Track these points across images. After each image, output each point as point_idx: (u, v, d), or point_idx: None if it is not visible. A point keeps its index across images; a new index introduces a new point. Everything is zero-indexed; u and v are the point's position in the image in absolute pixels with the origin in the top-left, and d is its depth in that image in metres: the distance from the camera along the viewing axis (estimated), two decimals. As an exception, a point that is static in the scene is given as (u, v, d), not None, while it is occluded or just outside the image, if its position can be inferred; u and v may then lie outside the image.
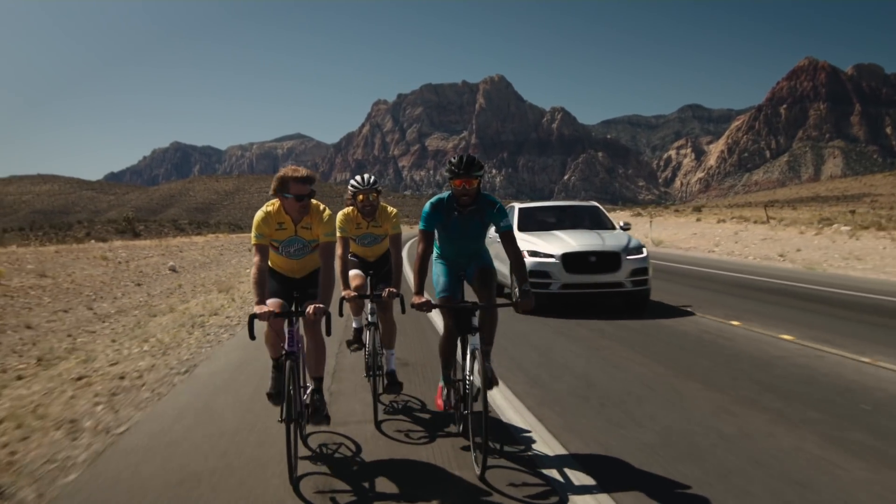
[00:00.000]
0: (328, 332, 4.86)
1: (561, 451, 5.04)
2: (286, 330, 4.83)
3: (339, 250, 5.91)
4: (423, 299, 4.98)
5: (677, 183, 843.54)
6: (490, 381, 5.00)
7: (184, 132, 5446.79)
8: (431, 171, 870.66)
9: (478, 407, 4.83)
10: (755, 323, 10.66)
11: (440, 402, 5.61)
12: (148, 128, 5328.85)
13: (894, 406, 6.12)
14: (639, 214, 75.32)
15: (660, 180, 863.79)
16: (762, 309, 12.21)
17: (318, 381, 5.26)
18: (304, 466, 4.83)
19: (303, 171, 4.90)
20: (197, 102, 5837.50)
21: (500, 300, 5.31)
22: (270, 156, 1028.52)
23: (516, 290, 7.43)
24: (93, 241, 47.18)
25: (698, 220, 53.46)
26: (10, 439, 5.54)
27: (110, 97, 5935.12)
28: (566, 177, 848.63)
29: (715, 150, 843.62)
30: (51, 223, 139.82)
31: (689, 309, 12.32)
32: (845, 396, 6.44)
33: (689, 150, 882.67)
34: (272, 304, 4.93)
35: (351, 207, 6.29)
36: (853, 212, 55.36)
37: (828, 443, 5.13)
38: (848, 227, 32.67)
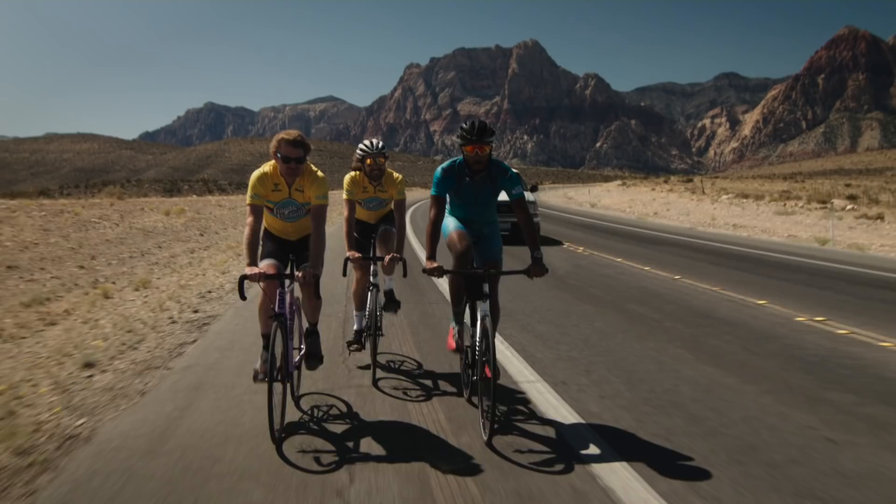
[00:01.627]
0: (317, 296, 5.14)
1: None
2: (276, 292, 4.86)
3: (345, 212, 6.21)
4: (435, 264, 4.98)
5: (711, 153, 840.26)
6: (496, 325, 4.95)
7: (217, 93, 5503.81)
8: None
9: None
10: (574, 241, 19.68)
11: (451, 341, 5.68)
12: (182, 88, 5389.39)
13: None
14: (624, 184, 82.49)
15: (693, 149, 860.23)
16: (579, 234, 22.75)
17: (314, 324, 5.47)
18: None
19: (293, 134, 4.95)
20: (230, 63, 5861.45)
21: (511, 268, 5.21)
22: (303, 118, 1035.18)
23: None
24: (193, 196, 56.79)
25: (652, 189, 61.72)
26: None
27: (145, 56, 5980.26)
28: (598, 144, 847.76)
29: (750, 119, 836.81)
30: (103, 181, 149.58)
31: (557, 238, 20.93)
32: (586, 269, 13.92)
33: (723, 120, 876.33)
34: (266, 265, 5.01)
35: (358, 171, 6.35)
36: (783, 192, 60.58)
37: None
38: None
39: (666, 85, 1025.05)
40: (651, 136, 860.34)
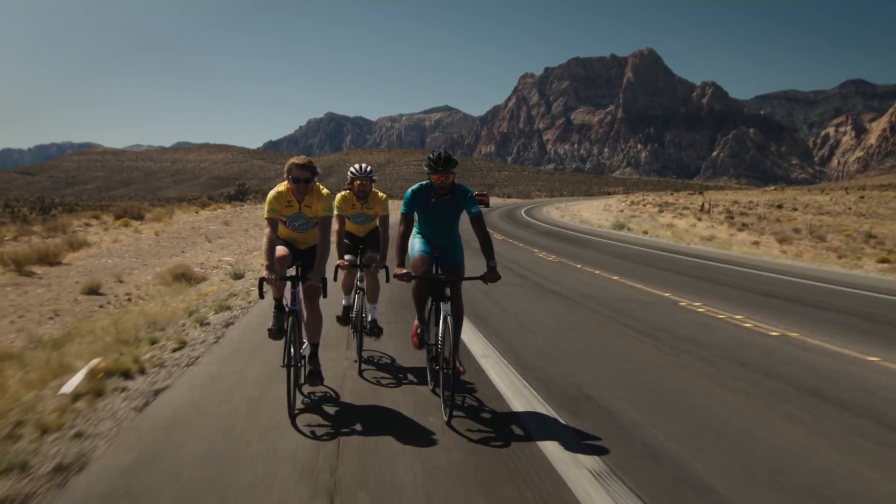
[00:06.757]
0: (324, 295, 5.64)
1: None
2: (290, 291, 5.60)
3: (335, 226, 6.82)
4: (404, 271, 5.62)
5: (834, 162, 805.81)
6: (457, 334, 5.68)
7: (337, 103, 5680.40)
8: (576, 145, 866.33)
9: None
10: (526, 242, 27.67)
11: (415, 339, 6.32)
12: (304, 99, 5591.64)
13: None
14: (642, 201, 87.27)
15: (815, 159, 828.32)
16: (535, 238, 30.49)
17: (315, 346, 6.05)
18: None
19: (303, 160, 5.65)
20: (351, 75, 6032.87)
21: (469, 275, 5.97)
22: (419, 127, 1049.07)
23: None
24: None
25: (632, 202, 73.51)
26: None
27: (269, 69, 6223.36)
28: (714, 153, 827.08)
29: (877, 127, 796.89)
30: (258, 189, 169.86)
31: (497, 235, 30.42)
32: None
33: (848, 128, 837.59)
34: (279, 250, 5.77)
35: (348, 191, 7.26)
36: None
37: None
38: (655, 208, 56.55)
39: (788, 93, 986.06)
40: (770, 145, 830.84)
